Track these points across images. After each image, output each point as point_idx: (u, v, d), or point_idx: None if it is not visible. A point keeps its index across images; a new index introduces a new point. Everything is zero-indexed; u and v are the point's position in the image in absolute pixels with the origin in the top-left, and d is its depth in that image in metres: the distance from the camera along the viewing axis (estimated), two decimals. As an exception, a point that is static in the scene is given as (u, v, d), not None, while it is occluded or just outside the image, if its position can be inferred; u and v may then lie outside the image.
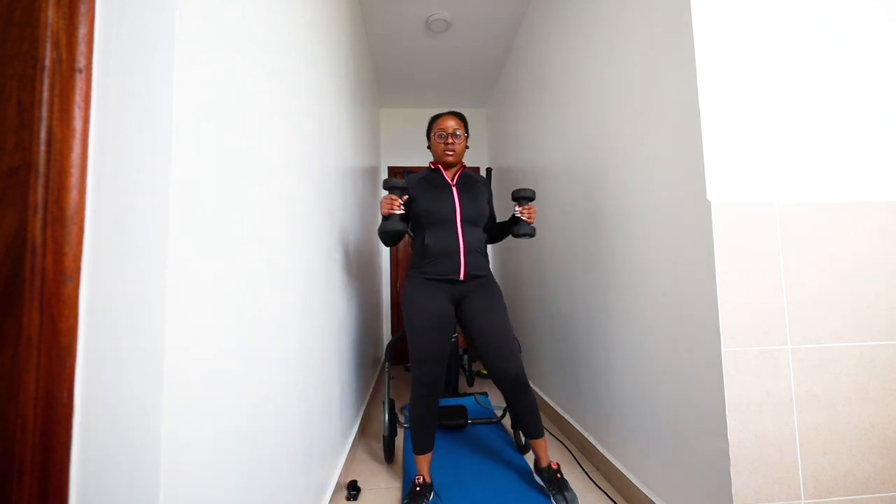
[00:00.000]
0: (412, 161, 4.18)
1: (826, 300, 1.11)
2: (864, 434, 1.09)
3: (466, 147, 1.65)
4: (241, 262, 0.80)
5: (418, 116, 4.24)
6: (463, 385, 3.23)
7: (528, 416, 1.54)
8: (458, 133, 1.59)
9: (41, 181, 0.53)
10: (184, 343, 0.60)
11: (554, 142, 2.31)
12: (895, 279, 1.14)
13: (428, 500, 1.49)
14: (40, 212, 0.52)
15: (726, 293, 1.08)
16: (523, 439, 1.91)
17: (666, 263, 1.29)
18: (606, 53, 1.66)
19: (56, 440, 0.52)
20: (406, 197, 1.51)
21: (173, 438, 0.57)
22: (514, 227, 1.59)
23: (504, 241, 3.33)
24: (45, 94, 0.53)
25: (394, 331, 4.03)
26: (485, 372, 3.51)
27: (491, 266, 2.93)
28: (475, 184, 1.66)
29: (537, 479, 1.60)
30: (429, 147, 1.67)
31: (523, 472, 1.71)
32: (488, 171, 1.97)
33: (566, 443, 2.05)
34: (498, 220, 2.29)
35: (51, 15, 0.54)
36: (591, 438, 1.84)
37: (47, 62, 0.54)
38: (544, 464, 1.56)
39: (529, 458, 1.85)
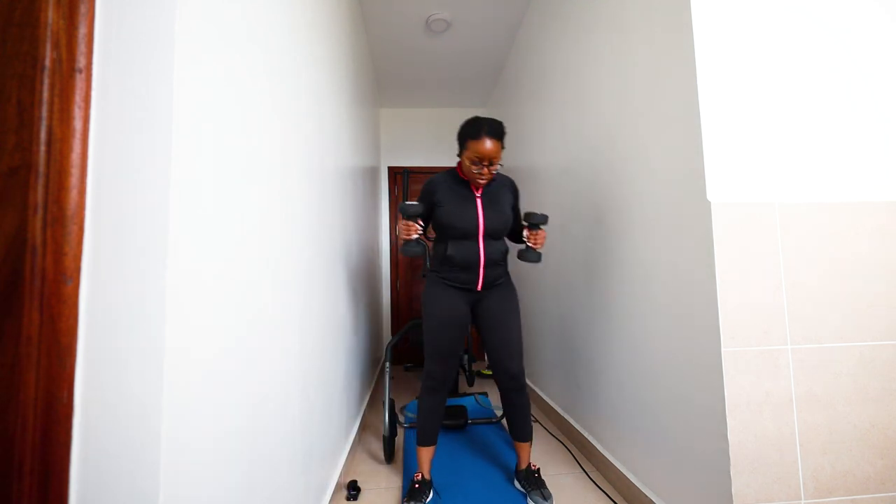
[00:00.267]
0: (412, 161, 4.18)
1: (826, 300, 1.11)
2: (864, 434, 1.09)
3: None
4: (241, 262, 0.80)
5: (418, 116, 4.24)
6: (463, 385, 3.23)
7: (519, 416, 1.57)
8: (494, 162, 1.45)
9: (41, 181, 0.53)
10: (184, 343, 0.60)
11: (554, 142, 2.31)
12: (895, 279, 1.14)
13: (427, 497, 1.50)
14: (40, 212, 0.52)
15: (726, 293, 1.08)
16: None
17: (666, 263, 1.29)
18: (606, 53, 1.66)
19: (56, 440, 0.52)
20: (420, 222, 1.50)
21: (173, 438, 0.57)
22: (520, 251, 1.57)
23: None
24: (45, 94, 0.53)
25: (394, 331, 4.02)
26: (485, 372, 3.51)
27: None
28: (501, 189, 1.59)
29: (516, 483, 1.61)
30: (458, 155, 1.51)
31: (523, 472, 1.72)
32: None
33: (566, 443, 2.05)
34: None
35: (51, 15, 0.54)
36: (591, 438, 1.84)
37: (47, 62, 0.54)
38: (524, 466, 1.59)
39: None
